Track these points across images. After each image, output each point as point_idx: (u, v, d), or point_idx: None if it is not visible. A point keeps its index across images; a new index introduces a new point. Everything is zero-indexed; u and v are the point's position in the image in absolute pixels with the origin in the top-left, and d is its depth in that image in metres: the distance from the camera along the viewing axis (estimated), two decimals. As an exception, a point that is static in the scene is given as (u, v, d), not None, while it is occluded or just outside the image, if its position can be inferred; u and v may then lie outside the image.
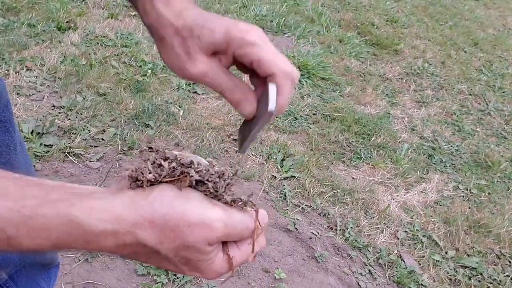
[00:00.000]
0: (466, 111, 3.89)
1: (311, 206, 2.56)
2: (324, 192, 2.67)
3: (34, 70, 3.01)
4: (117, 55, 3.36)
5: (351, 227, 2.49)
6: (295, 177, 2.71)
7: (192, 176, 0.61)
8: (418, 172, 3.04)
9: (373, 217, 2.60)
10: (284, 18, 4.47)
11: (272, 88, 0.68)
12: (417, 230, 2.59)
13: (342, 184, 2.75)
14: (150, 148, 0.65)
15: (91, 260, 2.00)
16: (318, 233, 2.42)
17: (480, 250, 2.57)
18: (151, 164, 0.63)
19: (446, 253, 2.51)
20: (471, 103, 4.02)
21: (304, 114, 3.28)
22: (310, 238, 2.38)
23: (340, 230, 2.47)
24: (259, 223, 0.66)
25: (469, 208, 2.84)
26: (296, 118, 3.22)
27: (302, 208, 2.54)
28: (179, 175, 0.62)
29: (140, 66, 3.29)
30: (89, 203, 0.56)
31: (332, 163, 2.92)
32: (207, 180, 0.62)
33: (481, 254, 2.56)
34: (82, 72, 3.07)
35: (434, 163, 3.17)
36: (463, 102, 4.01)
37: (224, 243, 0.63)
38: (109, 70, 3.14)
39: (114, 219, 0.56)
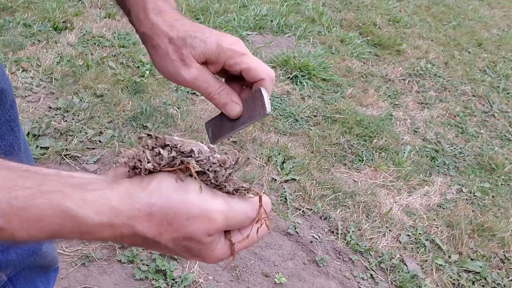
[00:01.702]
0: (469, 112, 3.90)
1: (312, 210, 2.58)
2: (325, 195, 2.68)
3: (30, 71, 3.02)
4: (114, 55, 3.37)
5: (353, 231, 2.50)
6: (295, 179, 2.72)
7: (192, 166, 0.60)
8: (420, 174, 3.05)
9: (375, 221, 2.61)
10: (284, 18, 4.49)
11: (264, 92, 0.79)
12: (419, 233, 2.60)
13: (343, 187, 2.76)
14: (149, 135, 0.64)
15: (88, 264, 2.01)
16: (319, 236, 2.43)
17: (484, 254, 2.59)
18: (150, 151, 0.62)
19: (449, 257, 2.52)
20: (474, 105, 4.03)
21: (304, 115, 3.30)
22: (311, 242, 2.39)
23: (341, 233, 2.48)
24: (264, 210, 0.66)
25: (473, 211, 2.86)
26: (297, 120, 3.23)
27: (302, 211, 2.55)
28: (179, 165, 0.61)
29: (138, 67, 3.30)
30: (84, 195, 0.56)
31: (333, 166, 2.93)
32: (208, 170, 0.61)
33: (485, 258, 2.57)
34: (78, 73, 3.08)
35: (437, 166, 3.18)
36: (466, 103, 4.02)
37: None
38: (106, 71, 3.16)
39: (111, 212, 0.56)
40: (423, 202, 2.84)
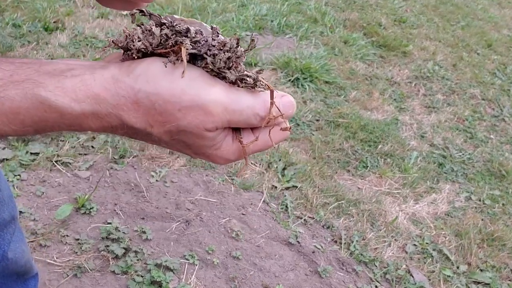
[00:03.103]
0: (479, 117, 3.92)
1: (314, 218, 2.59)
2: (328, 203, 2.69)
3: (20, 73, 3.04)
4: (107, 55, 3.39)
5: (357, 240, 2.51)
6: (297, 187, 2.73)
7: (184, 47, 0.55)
8: (427, 181, 3.07)
9: (380, 230, 2.62)
10: (285, 18, 4.51)
11: None
12: (426, 243, 2.61)
13: (347, 194, 2.77)
14: (141, 11, 0.59)
15: (80, 275, 2.02)
16: (322, 246, 2.44)
17: (494, 264, 2.60)
18: (142, 31, 0.57)
19: (458, 268, 2.53)
20: (484, 109, 4.05)
21: (306, 120, 3.31)
22: (313, 252, 2.40)
23: (345, 243, 2.49)
24: (278, 108, 0.58)
25: (482, 220, 2.87)
26: (298, 124, 3.25)
27: (304, 220, 2.56)
28: (172, 46, 0.56)
29: (132, 69, 3.31)
30: (62, 82, 0.52)
31: (336, 172, 2.94)
32: (206, 54, 0.56)
33: (494, 269, 2.58)
34: (70, 75, 3.09)
35: (445, 172, 3.19)
36: (475, 107, 4.04)
37: (236, 128, 0.59)
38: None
39: (92, 100, 0.52)
40: (430, 211, 2.85)
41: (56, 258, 2.07)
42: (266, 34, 4.28)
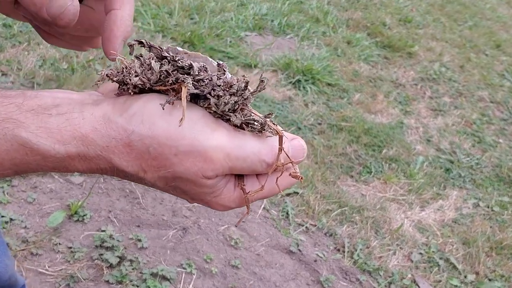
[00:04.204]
0: (487, 120, 3.93)
1: (316, 226, 2.59)
2: (331, 210, 2.70)
3: (10, 75, 3.05)
4: (101, 58, 3.40)
5: (360, 249, 2.51)
6: (298, 193, 2.73)
7: (187, 85, 0.52)
8: (434, 187, 3.07)
9: (385, 238, 2.63)
10: (286, 18, 4.52)
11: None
12: (433, 251, 2.62)
13: (350, 201, 2.78)
14: (141, 42, 0.55)
15: (73, 285, 2.03)
16: (324, 255, 2.45)
17: (503, 274, 2.60)
18: (141, 64, 0.54)
19: (465, 277, 2.54)
20: (492, 112, 4.05)
21: (308, 123, 3.32)
22: (315, 261, 2.41)
23: (348, 251, 2.50)
24: (287, 155, 0.55)
25: (491, 227, 2.87)
26: (300, 128, 3.25)
27: (306, 227, 2.57)
28: (172, 83, 0.53)
29: (127, 70, 3.32)
30: (45, 122, 0.50)
31: (339, 178, 2.95)
32: (210, 94, 0.53)
33: (503, 278, 2.58)
34: (63, 77, 3.10)
35: (452, 178, 3.20)
36: (484, 110, 4.05)
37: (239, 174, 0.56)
38: (92, 75, 3.18)
39: (79, 141, 0.50)
40: (437, 218, 2.86)
41: (48, 267, 2.08)
42: (266, 34, 4.29)
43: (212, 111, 0.53)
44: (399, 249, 2.59)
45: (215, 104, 0.52)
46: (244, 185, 0.56)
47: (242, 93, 0.53)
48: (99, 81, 0.56)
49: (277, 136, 0.54)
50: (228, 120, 0.53)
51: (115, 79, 0.55)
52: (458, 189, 3.13)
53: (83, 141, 0.50)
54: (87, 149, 0.50)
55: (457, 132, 3.69)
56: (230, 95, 0.52)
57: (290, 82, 3.67)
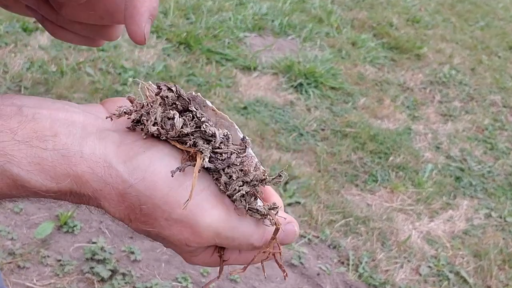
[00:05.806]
0: (500, 126, 3.93)
1: (319, 237, 2.60)
2: (334, 221, 2.70)
3: (-4, 78, 3.06)
4: (92, 60, 3.41)
5: (366, 262, 2.52)
6: (300, 203, 2.74)
7: (203, 158, 0.51)
8: (443, 197, 3.07)
9: (392, 250, 2.63)
10: (287, 18, 4.53)
11: None
12: (442, 264, 2.62)
13: (355, 211, 2.78)
14: (170, 89, 0.54)
15: (62, 299, 2.04)
16: (328, 268, 2.45)
17: (517, 288, 2.61)
18: (162, 112, 0.53)
19: (477, 292, 2.54)
20: (505, 117, 4.06)
21: (311, 129, 3.33)
22: (318, 274, 2.41)
23: (353, 264, 2.50)
24: (278, 244, 0.57)
25: (503, 239, 2.87)
26: (302, 134, 3.26)
27: (308, 239, 2.57)
28: (189, 146, 0.52)
29: (120, 73, 3.34)
30: (39, 157, 0.49)
31: (343, 187, 2.95)
32: (223, 170, 0.53)
33: (517, 293, 2.59)
34: (51, 81, 3.12)
35: (462, 187, 3.20)
36: (496, 115, 4.05)
37: None
38: (83, 78, 3.19)
39: (72, 180, 0.50)
40: (447, 229, 2.86)
41: (36, 281, 2.08)
42: (267, 35, 4.30)
43: (219, 184, 0.53)
44: (407, 262, 2.59)
45: (225, 183, 0.53)
46: (223, 253, 0.57)
47: (255, 185, 0.54)
48: (114, 115, 0.54)
49: (275, 226, 0.56)
50: (231, 196, 0.54)
51: (132, 117, 0.54)
52: (469, 198, 3.13)
53: (77, 181, 0.50)
54: (79, 188, 0.50)
55: (468, 138, 3.70)
56: (243, 182, 0.53)
57: (292, 86, 3.68)
